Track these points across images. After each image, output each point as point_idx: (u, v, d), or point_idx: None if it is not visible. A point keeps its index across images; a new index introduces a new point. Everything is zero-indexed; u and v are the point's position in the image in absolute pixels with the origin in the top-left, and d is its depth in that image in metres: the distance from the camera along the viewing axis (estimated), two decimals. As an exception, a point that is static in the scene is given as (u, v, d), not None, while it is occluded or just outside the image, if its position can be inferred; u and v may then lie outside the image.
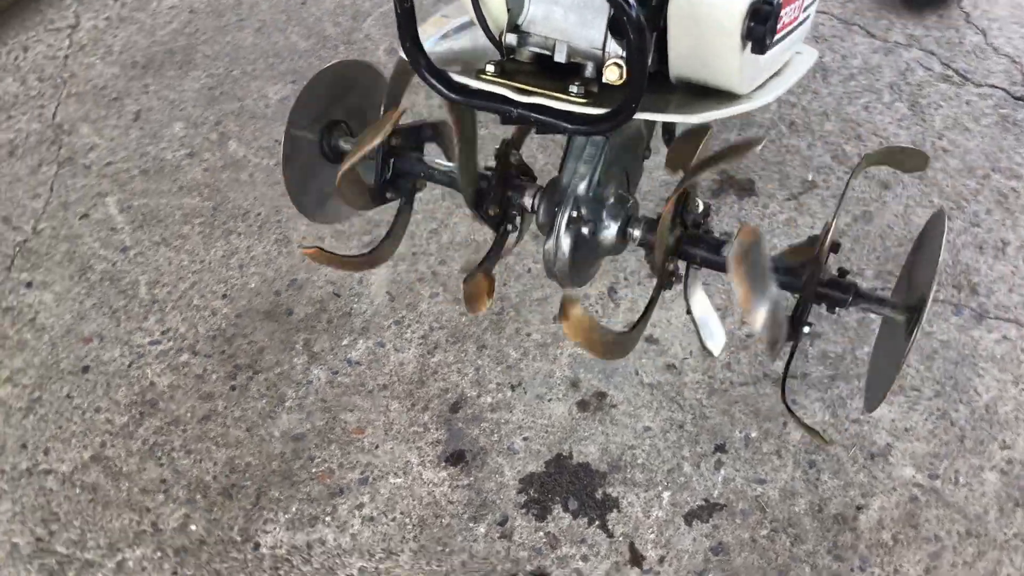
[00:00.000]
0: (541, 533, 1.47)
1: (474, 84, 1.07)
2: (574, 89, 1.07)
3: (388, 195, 1.35)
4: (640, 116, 1.02)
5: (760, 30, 0.99)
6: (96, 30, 2.45)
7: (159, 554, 1.47)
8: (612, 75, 1.04)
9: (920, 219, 1.86)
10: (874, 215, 1.89)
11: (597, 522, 1.48)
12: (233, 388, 1.67)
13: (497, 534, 1.48)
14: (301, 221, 1.88)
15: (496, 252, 1.31)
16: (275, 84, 2.23)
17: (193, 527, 1.50)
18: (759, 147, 1.09)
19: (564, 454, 1.56)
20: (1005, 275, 1.78)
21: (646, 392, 1.63)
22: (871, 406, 1.23)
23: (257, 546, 1.48)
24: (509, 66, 1.11)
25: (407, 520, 1.50)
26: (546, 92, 1.06)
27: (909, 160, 1.32)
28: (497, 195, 1.27)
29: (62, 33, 2.44)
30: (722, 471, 1.53)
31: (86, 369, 1.70)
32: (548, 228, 1.21)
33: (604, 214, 1.22)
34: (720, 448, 1.55)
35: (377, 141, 1.17)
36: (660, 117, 1.07)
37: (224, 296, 1.81)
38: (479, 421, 1.61)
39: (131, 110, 2.21)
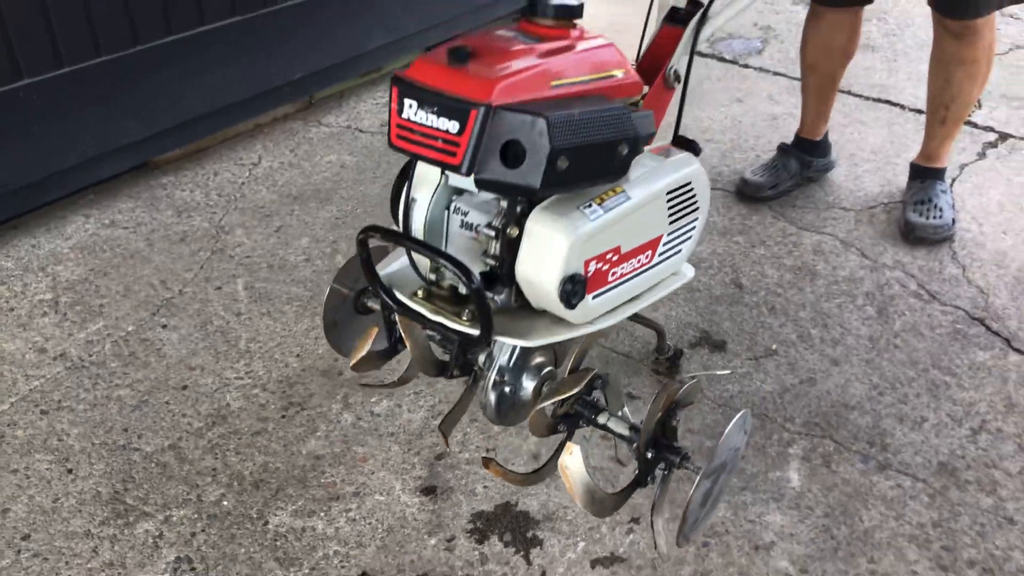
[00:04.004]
0: (477, 552, 1.86)
1: (408, 302, 1.57)
2: (465, 316, 1.50)
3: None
4: (500, 338, 1.50)
5: (565, 294, 1.43)
6: (270, 169, 3.22)
7: (196, 515, 1.95)
8: (468, 315, 1.51)
9: (857, 392, 2.23)
10: (818, 381, 2.27)
11: (522, 552, 1.86)
12: (283, 416, 2.18)
13: (443, 547, 1.88)
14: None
15: (466, 401, 1.80)
16: (385, 223, 2.87)
17: (225, 503, 1.98)
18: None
19: (512, 503, 1.97)
20: (915, 442, 2.11)
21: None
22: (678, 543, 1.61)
23: (266, 523, 1.93)
24: (435, 290, 1.57)
25: (380, 525, 1.92)
26: (446, 314, 1.51)
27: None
28: (459, 360, 1.73)
29: (245, 167, 3.22)
30: (631, 536, 1.89)
31: (185, 387, 2.26)
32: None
33: (523, 378, 1.70)
34: (635, 520, 1.92)
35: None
36: (512, 340, 1.50)
37: (298, 356, 2.36)
38: (455, 469, 2.04)
39: (275, 224, 2.90)
